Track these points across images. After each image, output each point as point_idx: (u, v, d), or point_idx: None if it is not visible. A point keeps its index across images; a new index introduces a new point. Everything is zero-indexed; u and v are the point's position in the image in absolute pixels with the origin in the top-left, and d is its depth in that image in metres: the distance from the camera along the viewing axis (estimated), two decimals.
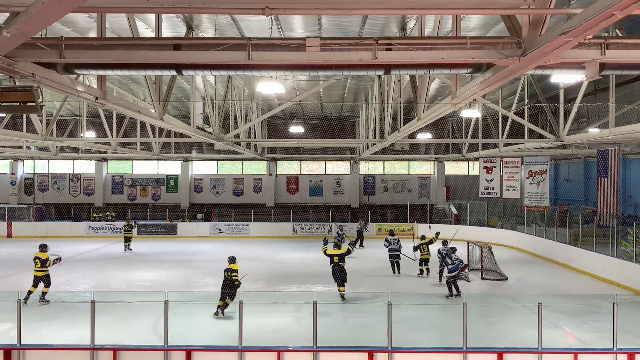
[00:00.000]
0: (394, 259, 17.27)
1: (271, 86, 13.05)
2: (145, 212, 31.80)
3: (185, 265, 19.19)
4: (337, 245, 14.31)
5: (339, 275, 13.56)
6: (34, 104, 7.41)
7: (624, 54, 7.27)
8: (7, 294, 10.95)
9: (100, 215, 29.64)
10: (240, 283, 11.93)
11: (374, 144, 21.74)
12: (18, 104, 7.47)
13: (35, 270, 13.10)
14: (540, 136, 18.85)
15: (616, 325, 8.55)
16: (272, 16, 8.80)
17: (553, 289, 15.47)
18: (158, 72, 8.94)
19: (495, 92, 19.13)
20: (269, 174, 33.49)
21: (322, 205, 31.56)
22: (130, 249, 22.69)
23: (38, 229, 27.70)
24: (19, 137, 18.26)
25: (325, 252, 13.94)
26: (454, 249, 14.40)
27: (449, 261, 14.01)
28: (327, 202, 32.86)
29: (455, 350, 8.73)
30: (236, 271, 12.05)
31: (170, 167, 33.94)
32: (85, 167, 34.02)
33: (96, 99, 10.00)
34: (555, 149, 22.60)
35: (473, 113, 18.17)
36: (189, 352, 8.76)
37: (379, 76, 17.27)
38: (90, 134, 22.04)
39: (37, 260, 13.11)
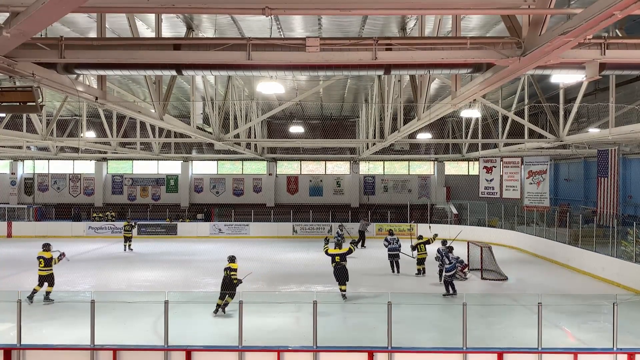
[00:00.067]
0: (393, 258, 17.41)
1: (271, 86, 13.06)
2: (145, 212, 31.81)
3: (185, 265, 19.19)
4: (338, 245, 14.34)
5: (341, 275, 13.63)
6: (34, 104, 7.41)
7: (624, 54, 7.27)
8: (7, 294, 10.96)
9: (100, 215, 29.65)
10: (238, 281, 11.98)
11: (374, 144, 21.74)
12: (18, 104, 7.47)
13: (39, 270, 13.16)
14: (540, 136, 18.85)
15: (616, 325, 8.55)
16: (272, 16, 8.80)
17: (553, 289, 15.47)
18: (158, 72, 8.94)
19: (495, 92, 19.13)
20: (269, 174, 33.49)
21: (322, 205, 31.57)
22: (131, 249, 22.71)
23: (38, 229, 27.69)
24: (19, 137, 18.26)
25: (326, 252, 14.01)
26: (450, 248, 14.54)
27: (447, 260, 14.14)
28: (327, 202, 32.87)
29: (455, 350, 8.73)
30: (235, 270, 12.09)
31: (170, 167, 33.95)
32: (85, 167, 34.02)
33: (96, 99, 10.01)
34: (555, 149, 22.60)
35: (473, 113, 18.17)
36: (189, 352, 8.76)
37: (379, 76, 17.27)
38: (90, 134, 22.04)
39: (41, 259, 13.17)
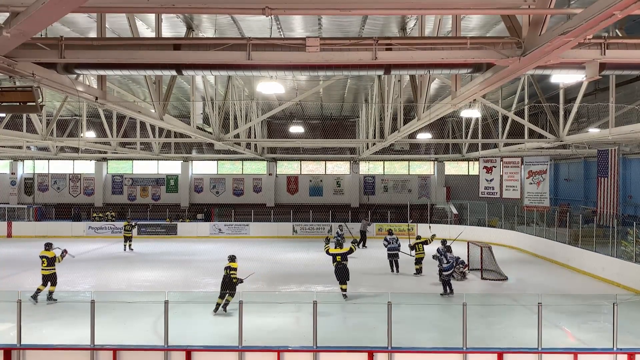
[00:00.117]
0: (393, 257, 17.51)
1: (271, 86, 13.06)
2: (145, 212, 31.81)
3: (185, 265, 19.19)
4: (339, 245, 14.38)
5: (342, 274, 13.69)
6: (34, 104, 7.41)
7: (624, 54, 7.27)
8: (7, 294, 10.96)
9: (100, 215, 29.66)
10: (238, 280, 12.01)
11: (374, 144, 21.74)
12: (18, 104, 7.48)
13: (42, 269, 13.22)
14: (540, 136, 18.85)
15: (616, 325, 8.55)
16: (272, 16, 8.80)
17: (553, 289, 15.47)
18: (158, 72, 8.94)
19: (495, 92, 19.13)
20: (269, 174, 33.49)
21: (322, 205, 31.56)
22: (132, 249, 22.73)
23: (38, 229, 27.69)
24: (19, 137, 18.26)
25: (327, 252, 14.07)
26: (448, 248, 14.64)
27: (444, 260, 14.19)
28: (327, 202, 32.86)
29: (455, 350, 8.74)
30: (235, 269, 12.14)
31: (170, 167, 33.94)
32: (85, 167, 34.02)
33: (96, 99, 10.01)
34: (555, 149, 22.60)
35: (473, 113, 18.17)
36: (189, 352, 8.76)
37: (379, 76, 17.27)
38: (90, 134, 22.04)
39: (44, 259, 13.21)
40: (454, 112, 12.83)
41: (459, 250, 17.56)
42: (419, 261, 16.98)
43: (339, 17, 11.99)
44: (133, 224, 23.47)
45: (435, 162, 33.37)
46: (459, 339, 8.70)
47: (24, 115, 20.18)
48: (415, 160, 33.45)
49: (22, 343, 8.89)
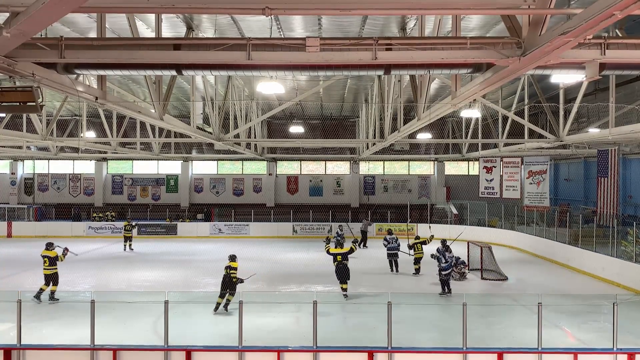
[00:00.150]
0: (392, 257, 17.58)
1: (271, 86, 13.06)
2: (145, 212, 31.81)
3: (185, 265, 19.18)
4: (340, 244, 14.42)
5: (342, 274, 13.75)
6: (34, 104, 7.41)
7: (624, 54, 7.27)
8: (7, 294, 10.96)
9: (100, 215, 29.65)
10: (238, 280, 12.05)
11: (374, 144, 21.74)
12: (18, 104, 7.48)
13: (44, 269, 13.27)
14: (540, 136, 18.85)
15: (616, 325, 8.55)
16: (272, 16, 8.80)
17: (553, 289, 15.47)
18: (158, 72, 8.94)
19: (495, 92, 19.13)
20: (269, 174, 33.49)
21: (322, 205, 31.56)
22: (132, 249, 22.73)
23: (38, 229, 27.70)
24: (19, 137, 18.27)
25: (328, 251, 14.14)
26: (447, 248, 14.69)
27: (443, 260, 14.24)
28: (327, 202, 32.86)
29: (455, 350, 8.73)
30: (235, 269, 12.18)
31: (170, 167, 33.94)
32: (85, 167, 34.02)
33: (96, 99, 10.01)
34: (555, 149, 22.59)
35: (473, 113, 18.17)
36: (189, 352, 8.76)
37: (379, 76, 17.27)
38: (90, 134, 22.04)
39: (46, 258, 13.26)
40: (454, 112, 12.83)
41: (459, 250, 17.57)
42: (417, 261, 17.04)
43: (339, 17, 11.99)
44: (133, 224, 23.49)
45: (435, 162, 33.37)
46: (459, 339, 8.70)
47: (24, 115, 20.18)
48: (415, 160, 33.45)
49: (22, 343, 8.88)
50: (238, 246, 23.20)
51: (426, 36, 10.64)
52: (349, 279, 13.81)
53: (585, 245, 18.12)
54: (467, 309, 8.67)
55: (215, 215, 31.18)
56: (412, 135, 18.98)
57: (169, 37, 12.38)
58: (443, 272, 14.21)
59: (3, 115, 16.42)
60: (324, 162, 33.93)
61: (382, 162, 33.81)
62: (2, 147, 22.45)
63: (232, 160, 33.39)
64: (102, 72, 9.34)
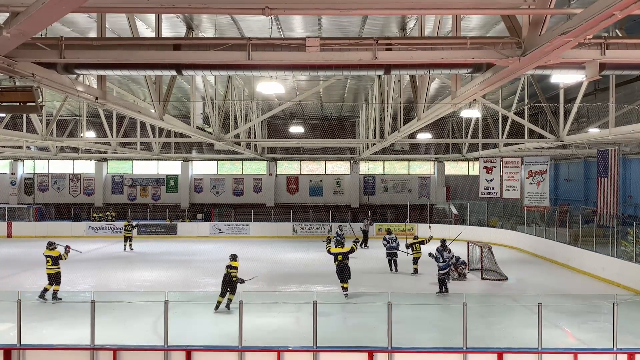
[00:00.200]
0: (391, 256, 17.69)
1: (271, 86, 13.06)
2: (145, 212, 31.80)
3: (185, 265, 19.18)
4: (340, 244, 14.46)
5: (343, 273, 13.81)
6: (34, 104, 7.41)
7: (624, 54, 7.27)
8: (7, 294, 10.97)
9: (100, 215, 29.65)
10: (238, 280, 12.09)
11: (374, 144, 21.73)
12: (18, 104, 7.47)
13: (47, 269, 13.32)
14: (540, 136, 18.85)
15: (616, 325, 8.55)
16: (272, 16, 8.79)
17: (553, 289, 15.47)
18: (158, 72, 8.94)
19: (495, 92, 19.13)
20: (269, 174, 33.48)
21: (322, 205, 31.56)
22: (132, 249, 22.74)
23: (38, 229, 27.70)
24: (19, 137, 18.26)
25: (329, 251, 14.21)
26: (444, 247, 14.83)
27: (440, 259, 14.31)
28: (327, 202, 32.86)
29: (455, 350, 8.74)
30: (236, 268, 12.23)
31: (170, 167, 33.93)
32: (85, 167, 34.01)
33: (96, 99, 10.01)
34: (555, 149, 22.59)
35: (473, 113, 18.17)
36: (189, 352, 8.76)
37: (379, 76, 17.26)
38: (90, 134, 22.04)
39: (49, 258, 13.29)
40: (454, 112, 12.82)
41: (459, 250, 17.59)
42: (415, 261, 17.11)
43: (339, 17, 11.99)
44: (134, 224, 23.50)
45: (435, 162, 33.36)
46: (459, 339, 8.70)
47: (24, 115, 20.17)
48: (415, 160, 33.45)
49: (22, 343, 8.89)
50: (238, 246, 23.17)
51: (426, 36, 10.64)
52: (349, 278, 13.85)
53: (585, 245, 18.12)
54: (467, 309, 8.67)
55: (215, 215, 31.18)
56: (412, 135, 18.97)
57: (169, 37, 12.38)
58: (440, 272, 14.32)
59: (3, 115, 16.42)
60: (324, 162, 33.92)
61: (382, 162, 33.81)
62: (2, 147, 22.45)
63: (232, 160, 33.38)
64: (102, 72, 9.33)
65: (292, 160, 33.76)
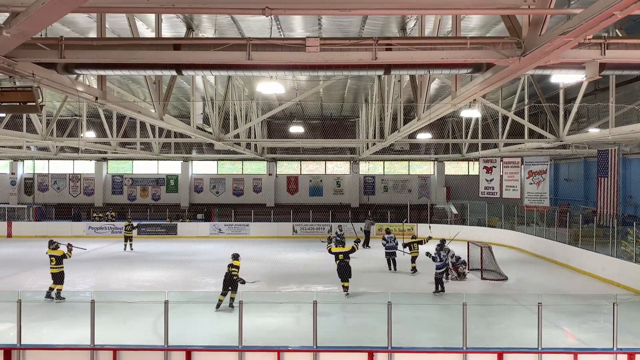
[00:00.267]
0: (390, 256, 17.79)
1: (271, 86, 13.06)
2: (145, 212, 31.77)
3: (185, 265, 19.18)
4: (341, 243, 14.51)
5: (344, 272, 13.89)
6: (34, 104, 7.40)
7: (624, 54, 7.27)
8: (7, 294, 10.96)
9: (100, 215, 29.65)
10: (239, 279, 12.14)
11: (374, 144, 21.74)
12: (18, 104, 7.47)
13: (51, 268, 13.36)
14: (540, 136, 18.85)
15: (616, 325, 8.55)
16: (272, 16, 8.79)
17: (553, 289, 15.47)
18: (158, 72, 8.94)
19: (495, 92, 19.13)
20: (269, 174, 33.48)
21: (322, 205, 31.56)
22: (132, 249, 22.74)
23: (38, 229, 27.70)
24: (19, 137, 18.26)
25: (329, 250, 14.30)
26: (442, 247, 14.94)
27: (437, 258, 14.33)
28: (327, 202, 32.86)
29: (455, 350, 8.73)
30: (237, 267, 12.26)
31: (170, 167, 33.94)
32: (85, 167, 34.01)
33: (96, 99, 10.00)
34: (555, 149, 22.59)
35: (473, 113, 18.17)
36: (189, 352, 8.76)
37: (379, 76, 17.26)
38: (90, 134, 22.04)
39: (53, 258, 13.32)
40: (454, 112, 12.82)
41: (459, 250, 17.60)
42: (413, 259, 17.22)
43: (339, 17, 11.99)
44: (134, 224, 23.51)
45: (435, 162, 33.36)
46: (459, 339, 8.70)
47: (24, 115, 20.17)
48: (415, 160, 33.45)
49: (22, 343, 8.88)
50: (238, 246, 23.07)
51: (426, 36, 10.64)
52: (350, 277, 13.91)
53: (585, 245, 18.12)
54: (467, 309, 8.67)
55: (215, 215, 31.17)
56: (412, 135, 18.97)
57: (169, 37, 12.38)
58: (437, 271, 14.39)
59: (3, 115, 16.42)
60: (324, 162, 33.92)
61: (382, 162, 33.81)
62: (2, 147, 22.45)
63: (232, 160, 33.38)
64: (102, 72, 9.33)
65: (292, 160, 33.77)
